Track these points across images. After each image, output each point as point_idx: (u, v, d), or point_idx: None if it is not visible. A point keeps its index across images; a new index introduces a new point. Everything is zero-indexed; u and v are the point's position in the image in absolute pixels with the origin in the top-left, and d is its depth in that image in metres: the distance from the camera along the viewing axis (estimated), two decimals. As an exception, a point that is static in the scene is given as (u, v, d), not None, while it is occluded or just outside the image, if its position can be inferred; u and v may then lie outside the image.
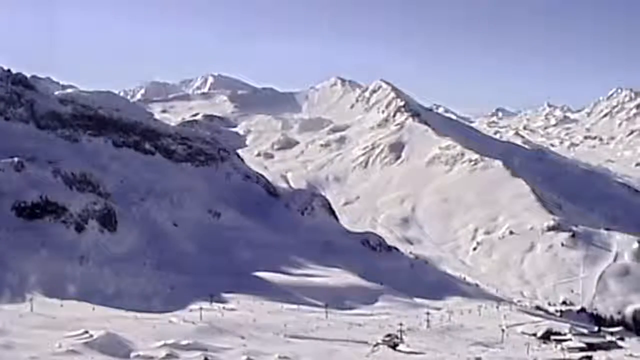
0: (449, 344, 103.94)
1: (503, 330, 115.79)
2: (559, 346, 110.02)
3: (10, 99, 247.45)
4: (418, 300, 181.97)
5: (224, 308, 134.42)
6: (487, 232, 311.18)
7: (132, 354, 66.51)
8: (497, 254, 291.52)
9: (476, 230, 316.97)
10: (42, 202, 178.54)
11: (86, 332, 71.01)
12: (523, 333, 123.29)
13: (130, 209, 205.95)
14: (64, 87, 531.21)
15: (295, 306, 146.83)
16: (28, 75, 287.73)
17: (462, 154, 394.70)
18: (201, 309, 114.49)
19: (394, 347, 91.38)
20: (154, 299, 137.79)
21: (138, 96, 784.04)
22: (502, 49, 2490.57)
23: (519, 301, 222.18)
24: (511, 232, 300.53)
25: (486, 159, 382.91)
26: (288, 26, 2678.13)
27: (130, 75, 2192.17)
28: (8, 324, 77.57)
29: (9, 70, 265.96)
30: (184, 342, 72.76)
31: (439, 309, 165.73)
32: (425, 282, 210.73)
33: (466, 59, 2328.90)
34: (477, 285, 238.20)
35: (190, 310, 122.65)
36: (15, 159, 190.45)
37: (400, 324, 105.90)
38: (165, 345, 70.41)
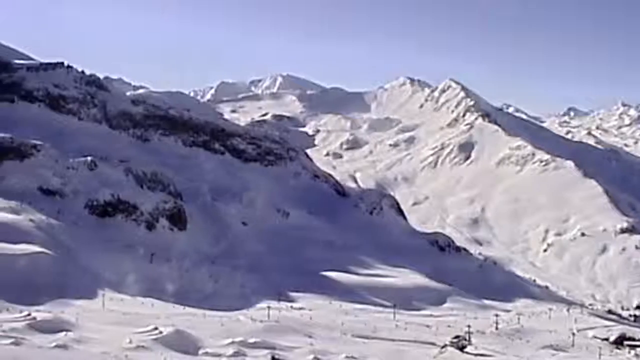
0: (518, 347, 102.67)
1: (574, 334, 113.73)
2: (632, 352, 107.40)
3: (84, 99, 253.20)
4: (487, 302, 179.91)
5: (291, 307, 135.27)
6: (558, 234, 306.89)
7: (201, 351, 67.45)
8: (568, 256, 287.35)
9: (547, 231, 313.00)
10: (114, 200, 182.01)
11: (156, 328, 72.17)
12: (594, 337, 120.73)
13: (199, 207, 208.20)
14: (135, 87, 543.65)
15: (362, 306, 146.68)
16: (101, 77, 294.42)
17: (533, 154, 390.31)
18: (269, 307, 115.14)
19: (461, 349, 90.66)
20: (223, 297, 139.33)
21: (208, 96, 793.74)
22: (574, 48, 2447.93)
23: (590, 305, 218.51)
24: (583, 234, 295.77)
25: (557, 159, 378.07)
26: (356, 26, 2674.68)
27: (200, 75, 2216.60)
28: (80, 319, 79.33)
29: (82, 72, 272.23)
30: (252, 340, 73.44)
31: (508, 311, 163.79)
32: (494, 283, 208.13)
33: (537, 58, 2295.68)
34: (547, 287, 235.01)
35: (259, 309, 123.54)
36: (88, 159, 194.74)
37: (468, 326, 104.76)
38: (233, 342, 71.20)
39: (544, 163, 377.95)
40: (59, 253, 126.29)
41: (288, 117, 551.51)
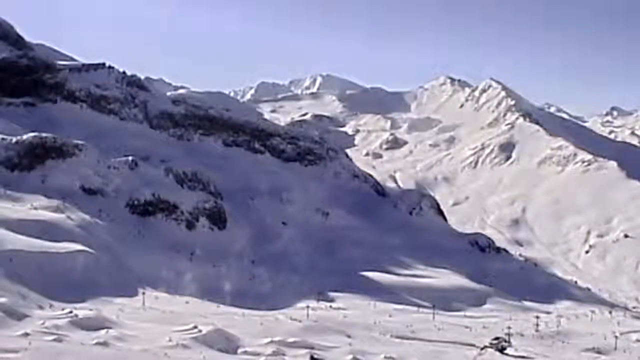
0: (559, 349, 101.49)
1: (616, 337, 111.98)
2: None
3: (125, 99, 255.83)
4: (527, 303, 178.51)
5: (330, 307, 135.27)
6: (600, 235, 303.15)
7: (240, 350, 67.77)
8: (610, 257, 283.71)
9: (589, 232, 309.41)
10: (154, 199, 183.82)
11: (195, 327, 72.69)
12: (638, 341, 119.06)
13: (239, 207, 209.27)
14: (176, 88, 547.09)
15: (401, 306, 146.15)
16: (142, 77, 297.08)
17: (575, 155, 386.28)
18: (308, 307, 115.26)
19: (501, 350, 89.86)
20: (262, 296, 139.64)
21: (248, 96, 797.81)
22: (617, 47, 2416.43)
23: (633, 307, 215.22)
24: (626, 236, 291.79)
25: (600, 159, 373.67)
26: (397, 26, 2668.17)
27: (240, 75, 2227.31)
28: (121, 317, 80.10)
29: (124, 72, 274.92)
30: (291, 340, 73.56)
31: (548, 313, 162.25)
32: (535, 285, 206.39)
33: (580, 57, 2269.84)
34: (588, 289, 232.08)
35: (298, 308, 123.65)
36: (130, 158, 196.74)
37: (509, 328, 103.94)
38: (272, 342, 71.45)
39: (586, 163, 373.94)
40: (100, 251, 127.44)
41: (328, 117, 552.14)
